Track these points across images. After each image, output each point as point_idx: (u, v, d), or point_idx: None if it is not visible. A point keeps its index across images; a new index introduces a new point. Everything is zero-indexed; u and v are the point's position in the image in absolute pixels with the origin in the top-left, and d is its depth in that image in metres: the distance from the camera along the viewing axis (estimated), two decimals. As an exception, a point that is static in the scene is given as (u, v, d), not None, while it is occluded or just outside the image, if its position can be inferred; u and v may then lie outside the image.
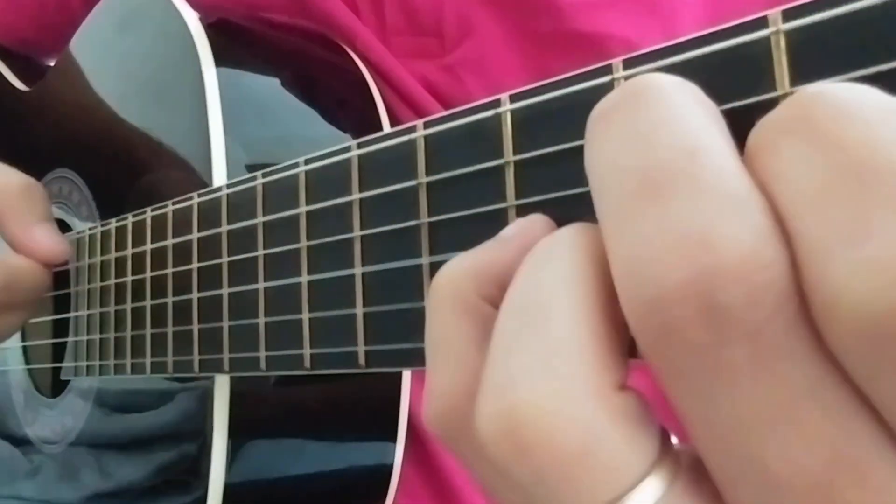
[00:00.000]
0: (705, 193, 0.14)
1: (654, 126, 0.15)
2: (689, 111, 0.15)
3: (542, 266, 0.17)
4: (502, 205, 0.22)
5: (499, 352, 0.16)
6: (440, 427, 0.18)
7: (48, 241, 0.45)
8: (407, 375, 0.45)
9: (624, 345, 0.16)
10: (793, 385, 0.13)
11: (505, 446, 0.15)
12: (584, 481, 0.14)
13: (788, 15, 0.16)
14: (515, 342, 0.16)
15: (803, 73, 0.16)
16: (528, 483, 0.15)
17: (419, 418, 0.47)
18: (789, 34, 0.16)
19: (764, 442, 0.13)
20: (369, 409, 0.46)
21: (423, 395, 0.48)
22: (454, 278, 0.19)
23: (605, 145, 0.15)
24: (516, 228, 0.20)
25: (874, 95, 0.13)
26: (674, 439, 0.16)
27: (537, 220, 0.20)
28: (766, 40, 0.17)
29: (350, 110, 0.49)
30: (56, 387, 0.57)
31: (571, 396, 0.15)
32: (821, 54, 0.16)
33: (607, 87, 0.20)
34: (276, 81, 0.48)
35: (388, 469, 0.46)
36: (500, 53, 0.48)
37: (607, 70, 0.20)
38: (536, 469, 0.15)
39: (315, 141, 0.47)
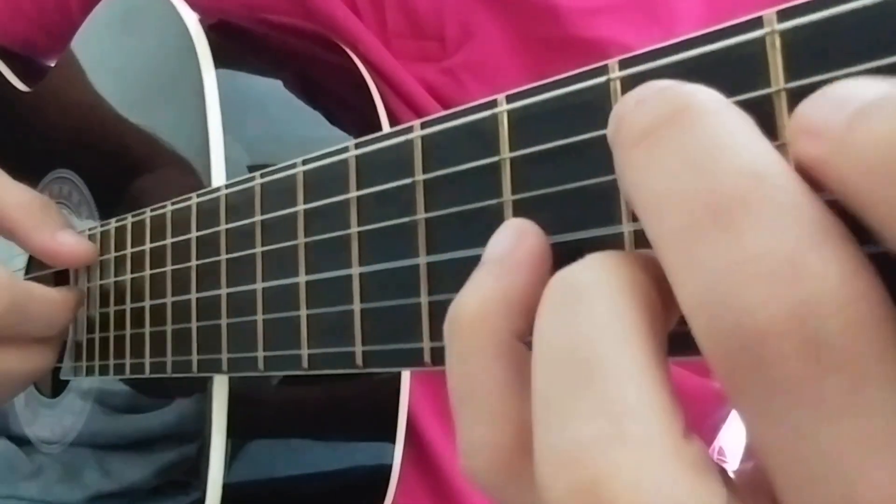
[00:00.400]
0: (782, 218, 0.13)
1: (712, 147, 0.14)
2: (739, 127, 0.14)
3: (575, 310, 0.16)
4: (498, 200, 0.22)
5: (551, 412, 0.15)
6: (486, 482, 0.18)
7: (77, 243, 0.46)
8: (406, 376, 0.45)
9: (673, 383, 0.15)
10: (886, 414, 0.13)
11: None
12: None
13: (783, 15, 0.17)
14: (569, 401, 0.15)
15: (798, 72, 0.16)
16: None
17: (418, 419, 0.47)
18: (784, 34, 0.16)
19: (852, 471, 0.13)
20: (368, 409, 0.46)
21: (425, 395, 0.47)
22: (484, 316, 0.18)
23: (655, 169, 0.15)
24: (506, 243, 0.19)
25: None
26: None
27: (525, 229, 0.19)
28: (761, 40, 0.17)
29: (350, 112, 0.49)
30: (56, 387, 0.57)
31: (652, 462, 0.14)
32: (816, 53, 0.16)
33: (603, 88, 0.20)
34: (275, 83, 0.48)
35: (388, 469, 0.46)
36: (501, 57, 0.48)
37: (603, 70, 0.20)
38: None
39: (315, 142, 0.47)
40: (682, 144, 0.14)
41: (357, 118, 0.49)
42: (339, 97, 0.50)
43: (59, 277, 0.55)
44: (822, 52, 0.16)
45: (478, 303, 0.18)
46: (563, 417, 0.15)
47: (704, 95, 0.15)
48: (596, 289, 0.16)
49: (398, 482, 0.46)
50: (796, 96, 0.16)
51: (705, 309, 0.14)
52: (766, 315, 0.13)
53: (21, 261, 0.60)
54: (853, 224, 0.14)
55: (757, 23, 0.17)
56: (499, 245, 0.19)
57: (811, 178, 0.14)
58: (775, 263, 0.13)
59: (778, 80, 0.17)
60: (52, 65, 0.66)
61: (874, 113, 0.13)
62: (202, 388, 0.42)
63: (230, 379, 0.40)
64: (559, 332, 0.16)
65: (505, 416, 0.17)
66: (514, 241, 0.19)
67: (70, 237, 0.46)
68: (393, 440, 0.45)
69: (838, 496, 0.13)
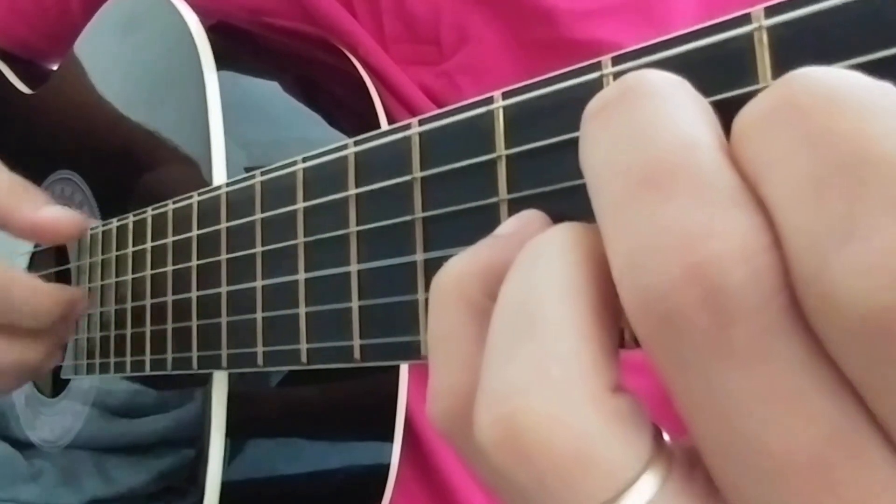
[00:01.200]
0: (703, 187, 0.14)
1: (650, 122, 0.15)
2: (683, 106, 0.15)
3: (532, 269, 0.17)
4: (494, 199, 0.22)
5: (493, 358, 0.16)
6: (444, 426, 0.19)
7: (63, 215, 0.45)
8: (404, 375, 0.45)
9: (615, 345, 0.16)
10: (791, 365, 0.13)
11: (505, 454, 0.15)
12: (583, 484, 0.15)
13: (770, 11, 0.17)
14: (509, 349, 0.16)
15: (785, 66, 0.17)
16: (529, 487, 0.15)
17: (416, 418, 0.47)
18: (771, 30, 0.17)
19: (763, 421, 0.13)
20: (366, 408, 0.46)
21: (423, 394, 0.48)
22: (459, 277, 0.19)
23: (602, 142, 0.16)
24: (514, 225, 0.20)
25: (861, 81, 0.13)
26: (666, 436, 0.17)
27: (534, 216, 0.21)
28: (748, 36, 0.17)
29: (350, 114, 0.50)
30: (56, 387, 0.57)
31: (567, 403, 0.15)
32: (801, 49, 0.16)
33: (597, 83, 0.20)
34: (276, 85, 0.49)
35: (385, 469, 0.46)
36: (497, 61, 0.49)
37: (596, 67, 0.20)
38: (536, 475, 0.15)
39: (314, 144, 0.47)
40: (624, 119, 0.15)
41: (357, 121, 0.49)
42: (339, 100, 0.50)
43: (61, 278, 0.55)
44: (808, 48, 0.16)
45: (462, 265, 0.19)
46: (501, 361, 0.16)
47: (654, 76, 0.16)
48: (553, 252, 0.17)
49: (396, 482, 0.46)
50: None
51: (625, 271, 0.15)
52: (672, 269, 0.14)
53: (23, 261, 0.61)
54: None
55: (745, 19, 0.17)
56: (506, 226, 0.20)
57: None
58: (688, 225, 0.14)
59: (765, 75, 0.17)
60: (54, 68, 0.66)
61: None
62: (201, 389, 0.42)
63: (229, 379, 0.41)
64: (516, 287, 0.17)
65: (466, 364, 0.18)
66: (520, 224, 0.20)
67: (55, 210, 0.45)
68: (391, 439, 0.46)
69: (752, 448, 0.14)
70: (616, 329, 0.16)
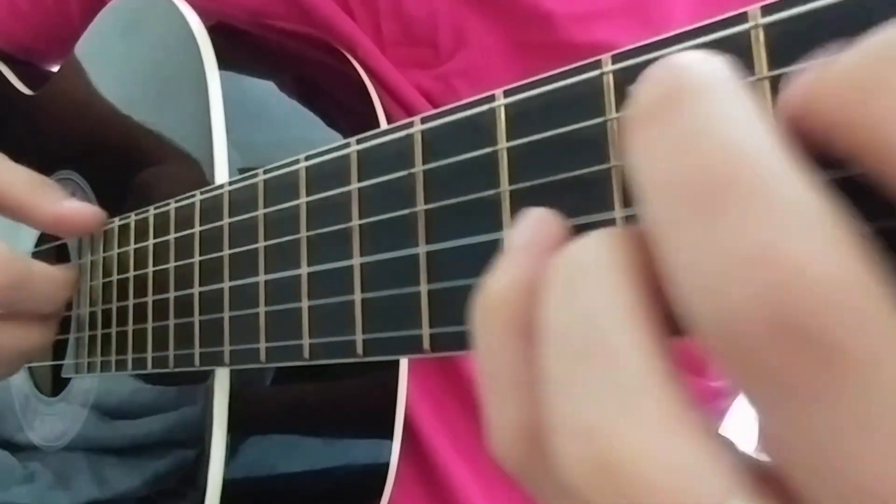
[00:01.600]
0: (766, 202, 0.13)
1: (699, 130, 0.14)
2: (733, 107, 0.14)
3: (579, 289, 0.16)
4: (495, 190, 0.23)
5: (558, 390, 0.16)
6: (513, 461, 0.18)
7: (83, 207, 0.47)
8: (403, 373, 0.46)
9: (676, 358, 0.15)
10: (876, 390, 0.12)
11: (603, 492, 0.15)
12: None
13: (767, 10, 0.17)
14: (577, 381, 0.15)
15: (781, 63, 0.17)
16: None
17: (416, 416, 0.47)
18: (767, 28, 0.17)
19: (848, 453, 0.13)
20: (366, 406, 0.46)
21: (423, 393, 0.47)
22: (506, 299, 0.18)
23: (651, 152, 0.15)
24: (529, 232, 0.19)
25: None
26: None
27: (545, 217, 0.20)
28: (746, 34, 0.18)
29: (350, 116, 0.50)
30: (56, 386, 0.57)
31: (656, 434, 0.14)
32: (796, 46, 0.17)
33: (597, 81, 0.21)
34: (278, 86, 0.49)
35: (385, 467, 0.46)
36: (494, 63, 0.49)
37: (597, 65, 0.21)
38: None
39: (316, 144, 0.47)
40: (671, 128, 0.14)
41: (357, 122, 0.50)
42: (340, 101, 0.50)
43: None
44: (802, 45, 0.17)
45: (500, 287, 0.18)
46: (570, 397, 0.15)
47: (699, 70, 0.15)
48: (594, 268, 0.16)
49: (395, 479, 0.47)
50: (779, 88, 0.17)
51: (690, 295, 0.14)
52: (739, 298, 0.13)
53: (30, 241, 0.61)
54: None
55: (742, 18, 0.18)
56: (521, 235, 0.19)
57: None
58: (753, 248, 0.13)
59: (762, 72, 0.18)
60: (54, 69, 0.66)
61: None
62: (202, 388, 0.42)
63: (231, 377, 0.41)
64: (560, 312, 0.16)
65: (524, 393, 0.17)
66: (535, 228, 0.19)
67: (76, 202, 0.47)
68: (390, 437, 0.46)
69: (835, 477, 0.13)
70: (669, 337, 0.16)
